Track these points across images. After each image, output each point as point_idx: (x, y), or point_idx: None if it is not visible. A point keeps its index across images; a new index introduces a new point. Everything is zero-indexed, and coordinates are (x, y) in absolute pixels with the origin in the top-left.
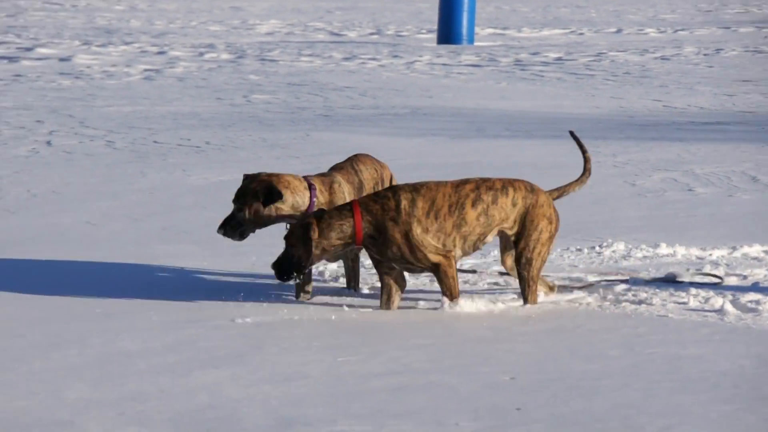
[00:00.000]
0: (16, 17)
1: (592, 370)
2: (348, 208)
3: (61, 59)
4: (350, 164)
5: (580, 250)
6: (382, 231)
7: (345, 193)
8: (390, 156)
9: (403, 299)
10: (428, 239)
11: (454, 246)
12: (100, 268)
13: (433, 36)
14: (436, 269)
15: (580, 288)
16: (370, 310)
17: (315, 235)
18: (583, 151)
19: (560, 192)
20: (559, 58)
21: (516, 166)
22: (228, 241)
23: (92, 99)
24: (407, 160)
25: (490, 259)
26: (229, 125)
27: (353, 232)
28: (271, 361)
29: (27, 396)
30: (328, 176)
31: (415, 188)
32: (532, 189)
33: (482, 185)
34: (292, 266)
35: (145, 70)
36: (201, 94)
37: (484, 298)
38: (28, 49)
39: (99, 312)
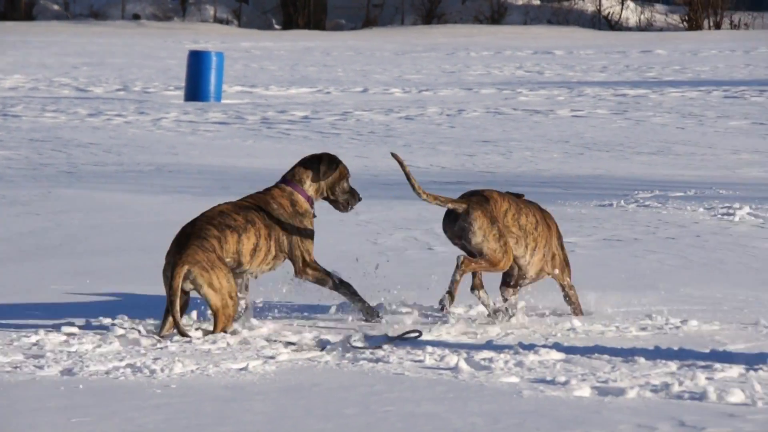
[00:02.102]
0: None
1: (328, 429)
2: None
3: None
4: None
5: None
6: None
7: None
8: (134, 213)
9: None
10: None
11: None
12: None
13: (181, 93)
14: None
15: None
16: (103, 367)
17: None
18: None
19: None
20: (306, 117)
21: None
22: None
23: None
24: (151, 218)
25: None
26: None
27: None
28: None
29: None
30: None
31: None
32: None
33: None
34: None
35: None
36: None
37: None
38: None
39: None
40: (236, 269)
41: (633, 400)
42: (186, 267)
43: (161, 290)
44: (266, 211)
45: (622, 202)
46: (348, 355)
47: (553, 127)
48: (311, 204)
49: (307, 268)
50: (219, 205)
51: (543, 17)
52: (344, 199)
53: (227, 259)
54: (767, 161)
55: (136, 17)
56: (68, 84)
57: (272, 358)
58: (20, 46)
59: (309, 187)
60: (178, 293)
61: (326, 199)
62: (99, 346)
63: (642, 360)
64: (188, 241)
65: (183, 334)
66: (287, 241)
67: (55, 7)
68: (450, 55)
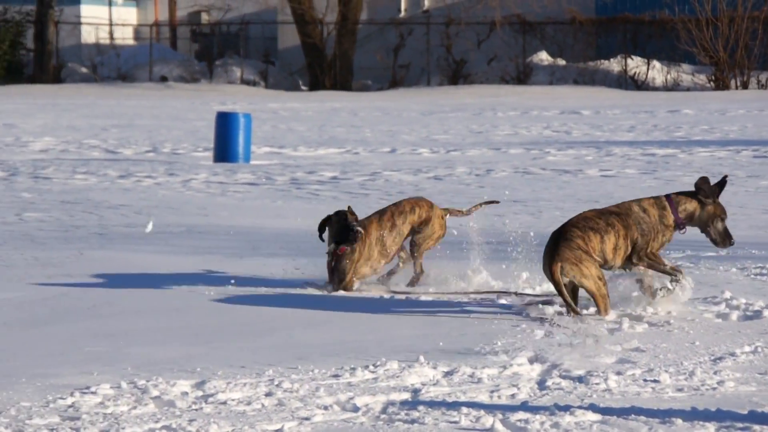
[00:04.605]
0: None
1: None
2: None
3: None
4: None
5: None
6: None
7: None
8: (165, 275)
9: None
10: None
11: None
12: None
13: (210, 154)
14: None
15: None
16: (140, 429)
17: None
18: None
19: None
20: (335, 177)
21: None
22: None
23: None
24: (183, 279)
25: None
26: (1, 244)
27: None
28: None
29: None
30: None
31: None
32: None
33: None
34: None
35: None
36: None
37: None
38: None
39: None
40: (603, 266)
41: None
42: (559, 264)
43: (194, 350)
44: (627, 215)
45: None
46: (383, 416)
47: (582, 186)
48: (680, 225)
49: (643, 256)
50: (584, 212)
51: (569, 77)
52: (714, 237)
53: (595, 256)
54: None
55: (163, 79)
56: (98, 146)
57: (307, 419)
58: (50, 109)
59: (682, 210)
60: (561, 283)
61: (702, 231)
62: (134, 407)
63: (679, 421)
64: (558, 243)
65: (574, 311)
66: (641, 241)
67: (83, 69)
68: (477, 115)
